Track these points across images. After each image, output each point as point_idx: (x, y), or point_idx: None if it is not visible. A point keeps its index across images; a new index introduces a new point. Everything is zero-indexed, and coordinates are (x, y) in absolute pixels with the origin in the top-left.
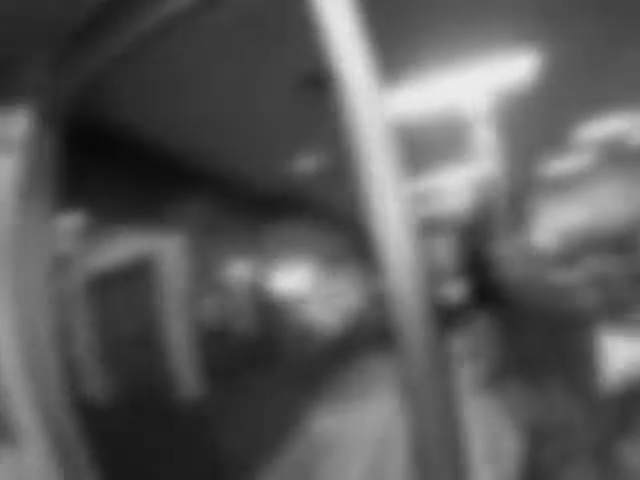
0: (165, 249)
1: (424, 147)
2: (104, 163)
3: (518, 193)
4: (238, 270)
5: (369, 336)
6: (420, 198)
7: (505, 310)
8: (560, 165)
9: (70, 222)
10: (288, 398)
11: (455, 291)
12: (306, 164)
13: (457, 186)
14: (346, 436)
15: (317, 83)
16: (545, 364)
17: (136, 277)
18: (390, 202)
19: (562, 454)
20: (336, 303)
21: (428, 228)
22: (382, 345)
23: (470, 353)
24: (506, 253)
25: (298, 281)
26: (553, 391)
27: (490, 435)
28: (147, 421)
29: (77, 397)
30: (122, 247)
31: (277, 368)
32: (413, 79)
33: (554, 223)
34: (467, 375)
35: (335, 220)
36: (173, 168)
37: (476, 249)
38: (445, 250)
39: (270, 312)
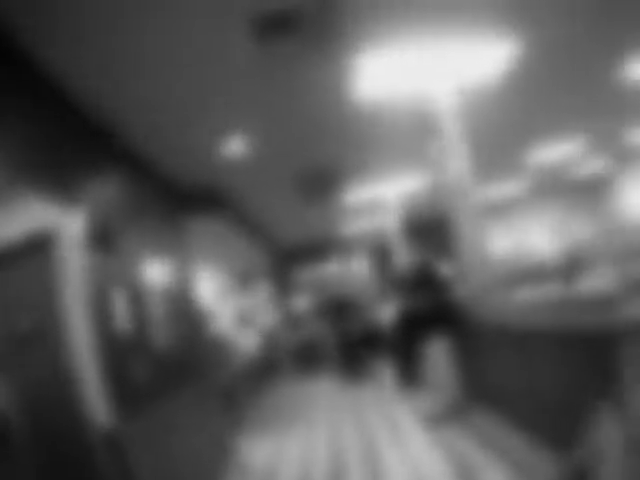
0: (67, 225)
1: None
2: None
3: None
4: (157, 267)
5: (287, 356)
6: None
7: (467, 332)
8: (507, 186)
9: None
10: (214, 421)
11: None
12: (233, 148)
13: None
14: (285, 468)
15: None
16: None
17: (30, 258)
18: None
19: None
20: (256, 320)
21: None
22: (301, 365)
23: (430, 381)
24: (456, 274)
25: (220, 289)
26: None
27: (464, 467)
28: (48, 453)
29: None
30: (14, 218)
31: (200, 385)
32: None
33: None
34: (427, 406)
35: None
36: (92, 130)
37: (424, 269)
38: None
39: (192, 318)
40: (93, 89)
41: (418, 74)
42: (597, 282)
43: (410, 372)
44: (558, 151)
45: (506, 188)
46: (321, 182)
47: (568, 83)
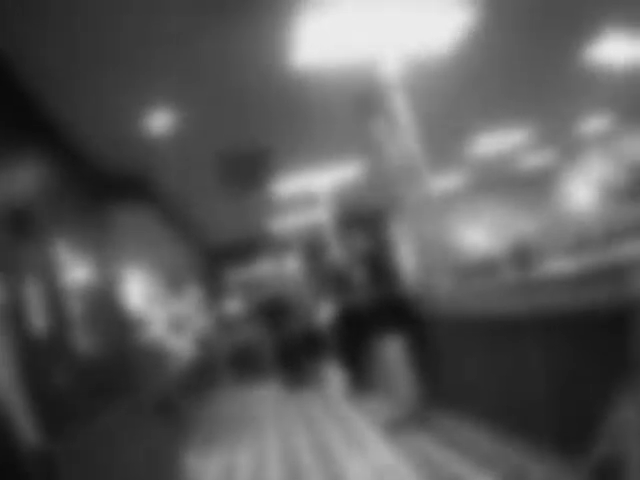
0: None
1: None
2: None
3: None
4: (78, 262)
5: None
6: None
7: (425, 329)
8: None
9: None
10: (154, 437)
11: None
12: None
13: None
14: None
15: None
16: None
17: None
18: None
19: None
20: (189, 324)
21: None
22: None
23: (384, 384)
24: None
25: (150, 292)
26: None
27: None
28: None
29: None
30: None
31: (133, 398)
32: None
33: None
34: (385, 411)
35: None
36: (6, 101)
37: (376, 262)
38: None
39: (120, 322)
40: (4, 51)
41: (361, 40)
42: (557, 267)
43: (359, 375)
44: (502, 142)
45: (442, 182)
46: (251, 168)
47: (523, 62)
